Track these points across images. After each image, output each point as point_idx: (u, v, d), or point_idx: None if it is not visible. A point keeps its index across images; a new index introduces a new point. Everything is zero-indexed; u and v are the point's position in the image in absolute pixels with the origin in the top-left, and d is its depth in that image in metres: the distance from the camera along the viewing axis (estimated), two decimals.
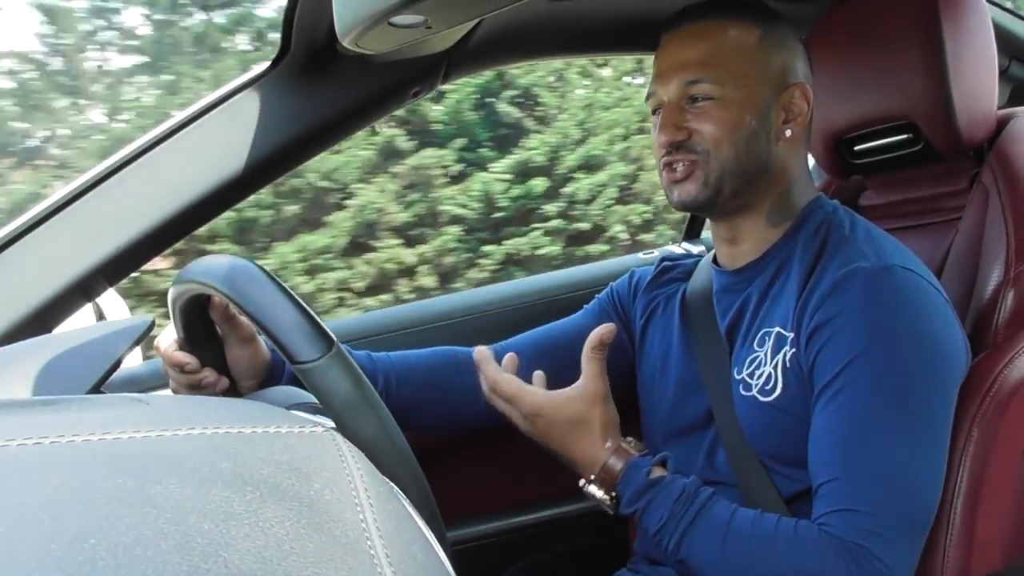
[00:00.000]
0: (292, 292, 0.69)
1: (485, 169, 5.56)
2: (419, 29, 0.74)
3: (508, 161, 5.52)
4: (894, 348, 0.84)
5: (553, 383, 0.95)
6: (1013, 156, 1.05)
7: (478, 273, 5.31)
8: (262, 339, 0.98)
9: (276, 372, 0.98)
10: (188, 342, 0.92)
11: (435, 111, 5.65)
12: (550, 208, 5.54)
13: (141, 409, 0.45)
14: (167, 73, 5.99)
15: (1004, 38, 1.29)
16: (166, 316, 0.89)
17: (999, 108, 1.10)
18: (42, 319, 1.03)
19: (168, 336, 0.93)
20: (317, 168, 5.20)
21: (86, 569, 0.30)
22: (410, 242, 5.37)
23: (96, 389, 0.80)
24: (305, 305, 0.68)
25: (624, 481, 0.90)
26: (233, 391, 0.96)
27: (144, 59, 6.25)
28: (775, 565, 0.82)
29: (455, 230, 5.42)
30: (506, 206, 5.52)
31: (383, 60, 1.12)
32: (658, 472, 0.91)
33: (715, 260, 1.05)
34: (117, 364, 0.82)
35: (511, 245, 5.44)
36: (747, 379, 0.93)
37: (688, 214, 1.72)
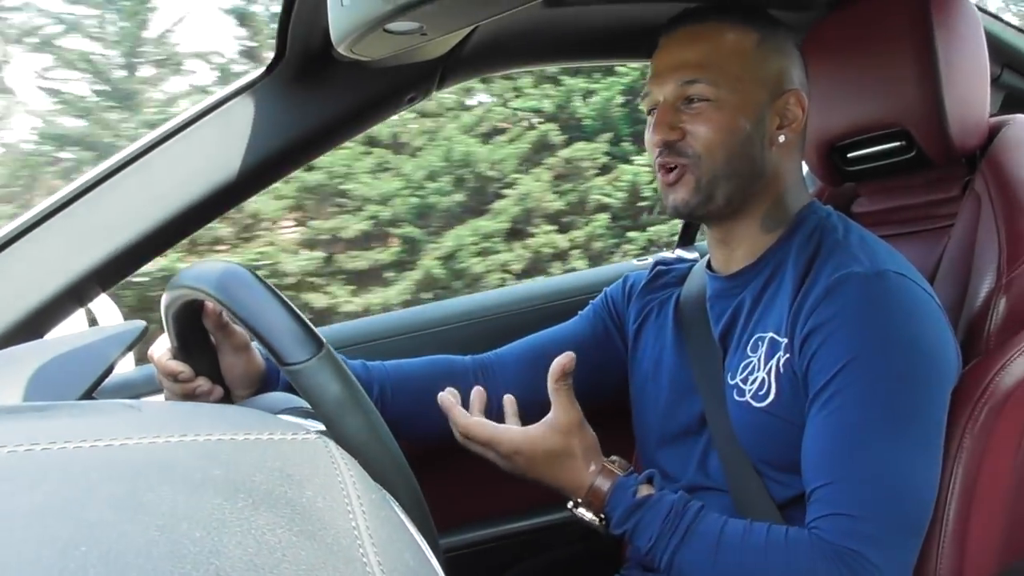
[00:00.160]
0: (282, 295, 0.69)
1: (629, 162, 6.09)
2: (414, 35, 0.74)
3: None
4: (887, 353, 0.84)
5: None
6: (1005, 163, 1.05)
7: (620, 258, 5.83)
8: (256, 348, 0.98)
9: (271, 381, 0.98)
10: (182, 351, 0.91)
11: (584, 108, 6.20)
12: None
13: (133, 415, 0.45)
14: None
15: (996, 46, 1.30)
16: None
17: (991, 116, 1.10)
18: (34, 324, 1.02)
19: (162, 345, 0.92)
20: (487, 158, 5.92)
21: None
22: (563, 228, 5.97)
23: (88, 395, 0.80)
24: (295, 308, 0.68)
25: (612, 502, 0.90)
26: (227, 400, 0.96)
27: None
28: (768, 574, 0.82)
29: (603, 218, 6.00)
30: (649, 196, 6.04)
31: (378, 66, 1.12)
32: (645, 490, 0.90)
33: (709, 265, 1.05)
34: (109, 370, 0.82)
35: (653, 232, 5.94)
36: (741, 384, 0.93)
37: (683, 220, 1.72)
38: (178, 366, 0.91)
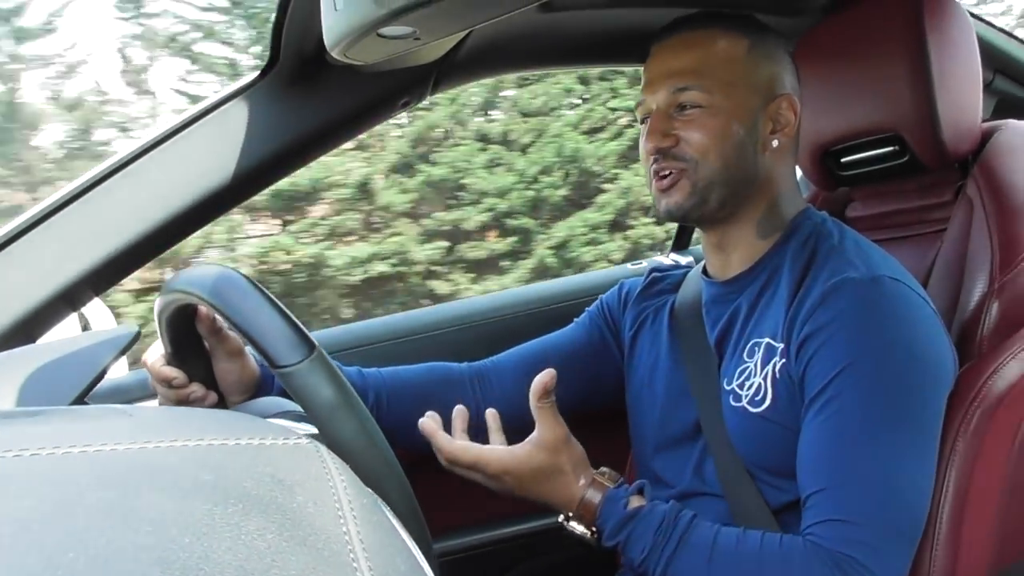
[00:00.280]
0: (274, 298, 0.69)
1: None
2: (408, 40, 0.74)
3: None
4: (883, 359, 0.84)
5: None
6: (997, 169, 1.06)
7: None
8: (251, 353, 0.97)
9: (265, 386, 0.98)
10: (176, 357, 0.91)
11: None
12: None
13: (124, 421, 0.45)
14: None
15: (988, 52, 1.31)
16: None
17: (984, 121, 1.11)
18: (27, 329, 1.02)
19: (155, 351, 0.92)
20: (593, 153, 6.39)
21: None
22: (660, 221, 6.55)
23: (80, 399, 0.80)
24: (287, 311, 0.68)
25: (603, 515, 0.90)
26: (222, 406, 0.96)
27: None
28: None
29: None
30: None
31: (372, 70, 1.12)
32: (636, 501, 0.90)
33: (705, 271, 1.06)
34: (102, 374, 0.82)
35: None
36: (737, 390, 0.93)
37: (676, 224, 1.73)
38: (172, 372, 0.90)
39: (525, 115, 6.57)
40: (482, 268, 6.24)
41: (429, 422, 0.96)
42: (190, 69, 6.75)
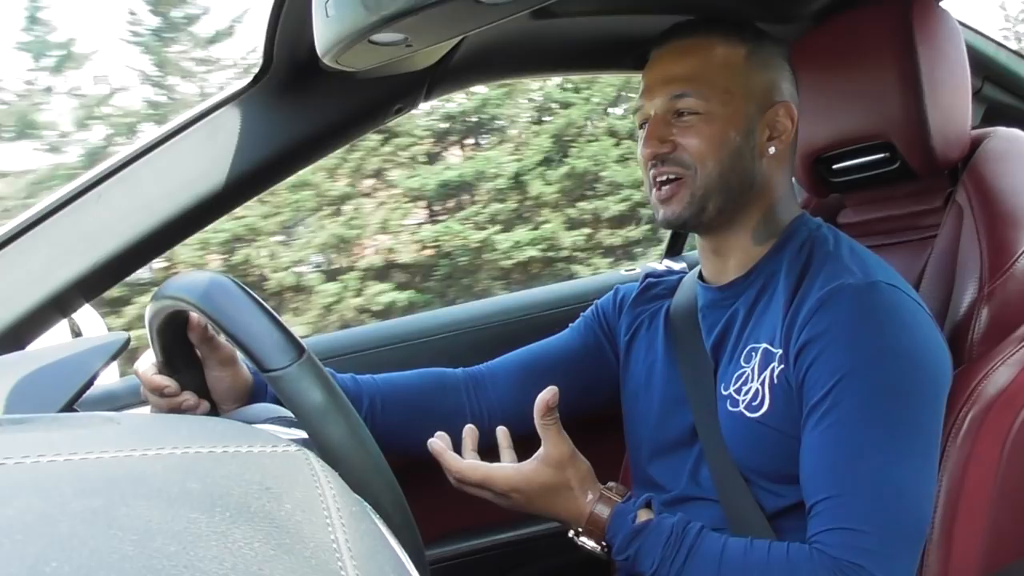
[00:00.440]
0: (263, 302, 0.68)
1: None
2: (399, 47, 0.74)
3: None
4: (882, 365, 0.84)
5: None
6: (987, 175, 1.06)
7: None
8: (243, 361, 0.97)
9: (258, 394, 0.97)
10: (167, 365, 0.91)
11: None
12: None
13: (111, 428, 0.45)
14: None
15: (977, 59, 1.31)
16: None
17: (973, 128, 1.11)
18: (16, 335, 1.01)
19: (147, 360, 0.92)
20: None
21: None
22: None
23: (70, 406, 0.80)
24: (275, 315, 0.68)
25: (612, 529, 0.90)
26: (214, 414, 0.95)
27: None
28: None
29: None
30: None
31: (365, 76, 1.12)
32: (644, 515, 0.91)
33: (700, 276, 1.06)
34: (91, 381, 0.81)
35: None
36: (734, 395, 0.94)
37: (670, 231, 1.73)
38: (163, 380, 0.90)
39: None
40: (618, 254, 6.74)
41: (438, 442, 0.96)
42: None
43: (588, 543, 0.92)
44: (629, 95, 7.14)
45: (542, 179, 6.69)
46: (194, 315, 0.88)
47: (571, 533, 0.94)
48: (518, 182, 6.76)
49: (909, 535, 0.83)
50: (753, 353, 0.93)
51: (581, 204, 6.85)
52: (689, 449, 0.99)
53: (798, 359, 0.88)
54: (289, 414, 0.72)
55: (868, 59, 1.09)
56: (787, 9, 1.25)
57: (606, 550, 0.92)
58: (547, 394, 0.91)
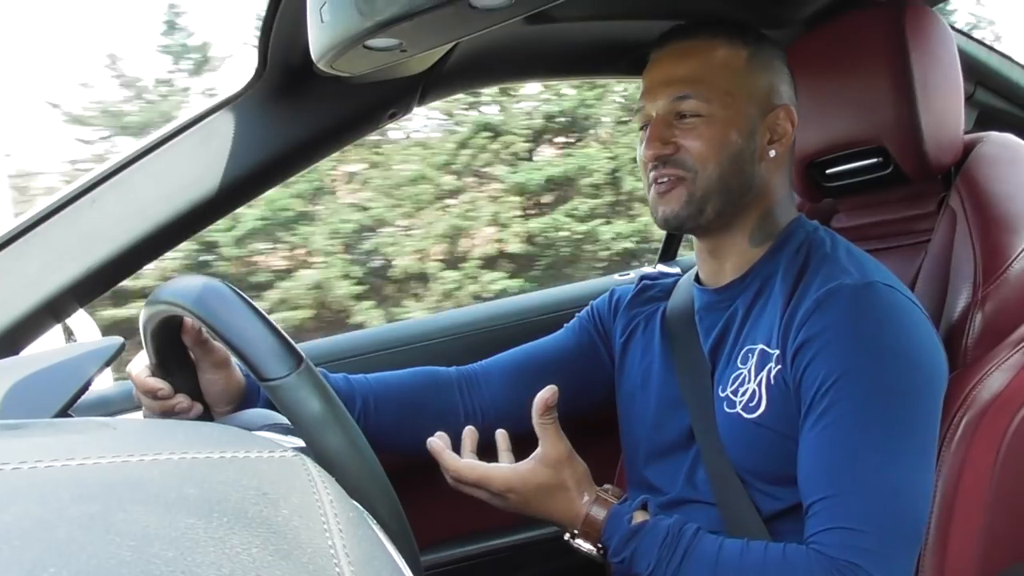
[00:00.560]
0: (260, 310, 0.68)
1: None
2: (394, 52, 0.74)
3: None
4: (880, 365, 0.85)
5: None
6: (980, 180, 1.07)
7: None
8: (236, 364, 0.97)
9: (251, 397, 0.97)
10: (160, 368, 0.90)
11: None
12: None
13: (107, 434, 0.45)
14: None
15: (969, 64, 1.32)
16: None
17: (966, 133, 1.12)
18: (10, 340, 1.01)
19: (140, 362, 0.91)
20: None
21: None
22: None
23: (64, 412, 0.79)
24: (273, 323, 0.68)
25: (608, 531, 0.90)
26: (207, 417, 0.95)
27: None
28: None
29: None
30: None
31: (359, 81, 1.12)
32: (640, 517, 0.91)
33: (697, 279, 1.06)
34: (86, 386, 0.81)
35: None
36: (731, 396, 0.94)
37: (665, 234, 1.73)
38: (157, 383, 0.90)
39: None
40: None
41: (437, 441, 0.96)
42: None
43: (584, 545, 0.92)
44: None
45: (633, 175, 6.87)
46: (188, 319, 0.87)
47: (567, 535, 0.93)
48: (614, 178, 6.93)
49: (906, 534, 0.83)
50: (750, 354, 0.93)
51: None
52: (685, 452, 1.00)
53: (795, 359, 0.88)
54: (285, 421, 0.72)
55: (861, 64, 1.09)
56: (779, 14, 1.25)
57: (602, 552, 0.91)
58: (546, 393, 0.91)
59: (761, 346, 0.92)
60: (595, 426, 1.11)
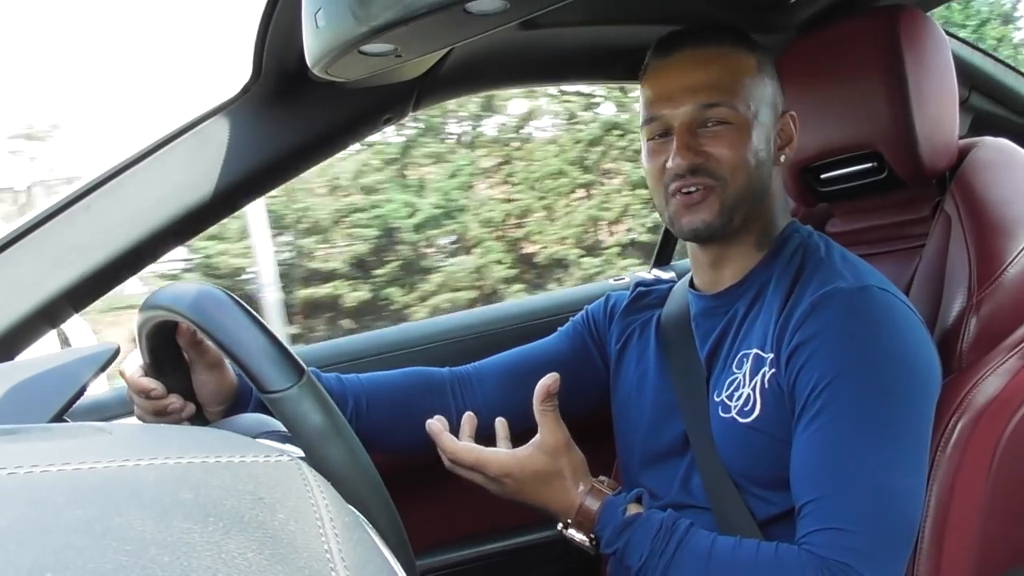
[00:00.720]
0: (261, 319, 0.68)
1: None
2: (389, 57, 0.74)
3: None
4: (873, 367, 0.85)
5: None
6: (974, 185, 1.07)
7: None
8: (229, 364, 0.97)
9: (243, 397, 0.97)
10: (154, 368, 0.90)
11: None
12: None
13: (103, 438, 0.45)
14: None
15: (964, 69, 1.33)
16: None
17: (960, 138, 1.12)
18: (5, 345, 1.01)
19: (133, 362, 0.91)
20: None
21: None
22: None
23: (59, 417, 0.79)
24: (274, 333, 0.67)
25: (601, 521, 0.90)
26: (199, 417, 0.95)
27: None
28: None
29: None
30: None
31: (354, 87, 1.12)
32: (634, 509, 0.91)
33: (691, 284, 1.06)
34: (81, 391, 0.81)
35: None
36: (726, 401, 0.94)
37: (658, 238, 1.73)
38: (150, 383, 0.90)
39: None
40: None
41: (435, 423, 0.96)
42: None
43: (577, 536, 0.92)
44: None
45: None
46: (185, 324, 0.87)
47: (560, 526, 0.93)
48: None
49: (898, 536, 0.83)
50: (745, 359, 0.93)
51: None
52: (681, 457, 1.00)
53: (790, 362, 0.88)
54: (282, 428, 0.72)
55: (855, 69, 1.10)
56: (773, 19, 1.26)
57: (595, 543, 0.91)
58: (548, 380, 0.91)
59: (756, 350, 0.92)
60: (590, 433, 1.11)
